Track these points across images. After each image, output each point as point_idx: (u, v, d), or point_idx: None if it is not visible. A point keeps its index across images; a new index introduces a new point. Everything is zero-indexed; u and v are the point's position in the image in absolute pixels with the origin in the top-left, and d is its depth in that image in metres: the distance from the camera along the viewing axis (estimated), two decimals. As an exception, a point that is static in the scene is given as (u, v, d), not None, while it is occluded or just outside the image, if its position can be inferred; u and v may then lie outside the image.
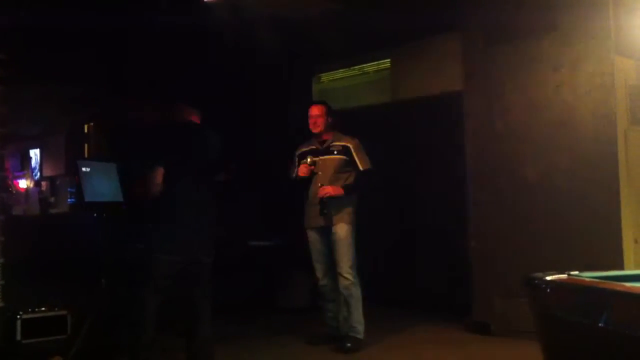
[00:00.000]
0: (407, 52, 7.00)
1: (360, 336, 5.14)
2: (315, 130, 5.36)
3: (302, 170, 5.25)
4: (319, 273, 5.33)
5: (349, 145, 5.27)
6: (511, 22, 5.49)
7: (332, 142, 5.33)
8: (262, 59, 6.95)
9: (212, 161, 4.62)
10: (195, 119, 4.64)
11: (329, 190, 5.12)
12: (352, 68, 7.72)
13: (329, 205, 5.12)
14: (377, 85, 7.41)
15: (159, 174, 4.28)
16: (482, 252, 5.61)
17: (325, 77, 8.03)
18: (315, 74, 8.03)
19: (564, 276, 2.48)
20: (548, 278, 2.46)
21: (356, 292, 5.14)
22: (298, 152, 5.45)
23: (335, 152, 5.27)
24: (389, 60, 7.28)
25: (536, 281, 2.49)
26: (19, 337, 5.07)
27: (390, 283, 6.76)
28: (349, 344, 5.07)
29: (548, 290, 2.44)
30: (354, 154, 5.24)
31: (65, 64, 6.09)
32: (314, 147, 5.36)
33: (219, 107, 7.32)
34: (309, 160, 5.24)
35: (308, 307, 6.64)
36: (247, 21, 6.13)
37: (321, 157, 5.28)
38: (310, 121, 5.38)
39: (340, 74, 7.87)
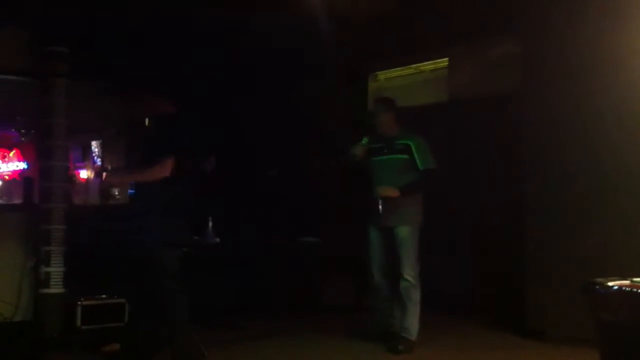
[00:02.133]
0: (466, 51, 6.94)
1: (413, 338, 5.09)
2: (379, 128, 5.30)
3: (357, 149, 5.18)
4: (376, 271, 5.28)
5: (411, 143, 5.17)
6: (572, 23, 5.38)
7: (395, 139, 5.23)
8: (319, 58, 6.98)
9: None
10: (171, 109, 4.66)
11: (387, 191, 5.08)
12: (408, 67, 7.68)
13: (389, 206, 5.07)
14: (433, 84, 7.36)
15: (169, 164, 4.33)
16: (539, 256, 5.52)
17: (382, 75, 8.02)
18: (372, 72, 8.03)
19: (626, 282, 2.43)
20: (610, 284, 2.41)
21: (415, 295, 5.09)
22: (356, 147, 5.28)
23: (397, 151, 5.19)
24: (446, 59, 7.22)
25: (597, 287, 2.44)
26: (78, 323, 5.24)
27: (441, 285, 6.71)
28: (401, 346, 5.02)
29: (609, 296, 2.39)
30: (415, 153, 5.14)
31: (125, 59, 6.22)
32: (376, 144, 5.26)
33: (274, 105, 7.44)
34: (363, 141, 5.17)
35: (353, 306, 6.64)
36: (304, 20, 6.17)
37: (383, 156, 5.23)
38: (373, 120, 5.32)
39: (397, 72, 7.85)
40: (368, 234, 5.31)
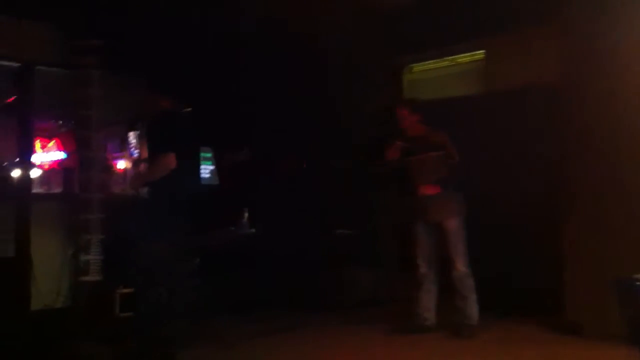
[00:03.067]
0: (502, 42, 6.85)
1: (474, 323, 5.28)
2: (407, 131, 5.44)
3: (392, 153, 5.34)
4: (422, 262, 5.41)
5: (442, 140, 5.33)
6: (613, 11, 5.28)
7: (426, 138, 5.38)
8: (353, 50, 6.98)
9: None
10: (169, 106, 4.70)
11: (428, 189, 5.28)
12: (444, 59, 7.62)
13: (433, 202, 5.26)
14: (469, 76, 7.29)
15: (172, 159, 4.38)
16: (577, 250, 5.45)
17: (417, 67, 7.97)
18: (406, 64, 7.98)
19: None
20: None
21: (470, 283, 5.29)
22: (390, 152, 5.44)
23: (432, 148, 5.32)
24: (483, 51, 7.15)
25: (627, 283, 2.42)
26: (117, 311, 5.34)
27: (479, 279, 6.67)
28: (465, 332, 5.21)
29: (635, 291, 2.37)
30: (448, 148, 5.30)
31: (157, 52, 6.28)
32: (409, 144, 5.39)
33: (307, 99, 7.45)
34: (398, 143, 5.32)
35: (369, 301, 6.66)
36: (338, 12, 6.17)
37: (417, 156, 5.34)
38: (399, 122, 5.47)
39: (432, 64, 7.79)
40: (414, 229, 5.43)
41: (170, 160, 4.40)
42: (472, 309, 5.29)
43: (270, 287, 6.30)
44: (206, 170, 5.43)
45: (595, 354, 4.85)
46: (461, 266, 5.26)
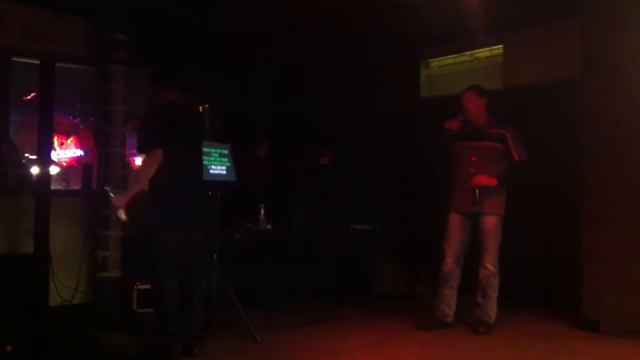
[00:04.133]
0: (521, 37, 6.80)
1: (492, 321, 5.24)
2: (470, 115, 5.27)
3: (451, 123, 5.19)
4: (450, 257, 5.32)
5: (506, 133, 5.20)
6: (634, 7, 5.20)
7: (488, 128, 5.25)
8: (370, 44, 6.95)
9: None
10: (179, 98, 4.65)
11: (483, 179, 5.11)
12: (462, 54, 7.57)
13: (481, 194, 5.10)
14: (488, 71, 7.24)
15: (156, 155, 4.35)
16: (594, 247, 5.39)
17: (435, 62, 7.92)
18: (424, 59, 7.94)
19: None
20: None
21: (495, 282, 5.21)
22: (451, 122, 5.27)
23: (493, 139, 5.20)
24: (501, 46, 7.09)
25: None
26: (135, 307, 5.35)
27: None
28: (482, 329, 5.19)
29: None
30: (511, 143, 5.18)
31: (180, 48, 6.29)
32: (467, 130, 5.26)
33: (325, 93, 7.44)
34: (460, 116, 5.21)
35: (403, 295, 6.67)
36: (356, 5, 6.14)
37: (477, 142, 5.23)
38: (465, 104, 5.29)
39: (450, 59, 7.74)
40: (450, 221, 5.34)
41: (155, 157, 4.35)
42: (492, 307, 5.25)
43: (302, 281, 6.37)
44: (221, 167, 5.40)
45: (612, 349, 4.82)
46: (491, 265, 5.17)
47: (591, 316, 5.36)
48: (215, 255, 5.09)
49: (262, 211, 6.14)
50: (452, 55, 7.67)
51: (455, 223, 5.31)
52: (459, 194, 5.26)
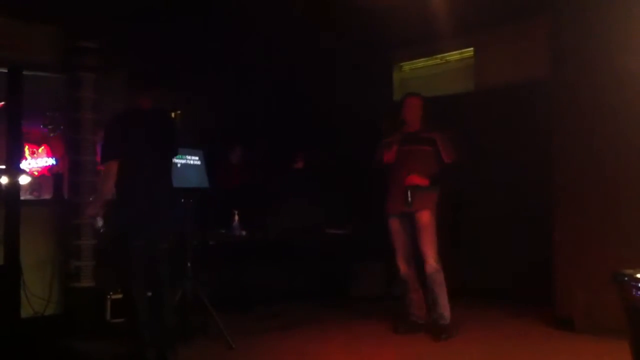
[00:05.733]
0: (492, 39, 6.86)
1: (448, 321, 5.22)
2: (410, 121, 5.39)
3: (388, 156, 5.32)
4: (401, 261, 5.37)
5: (435, 137, 5.33)
6: (601, 9, 5.26)
7: (420, 132, 5.38)
8: (342, 48, 6.95)
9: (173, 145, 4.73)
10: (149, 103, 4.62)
11: (415, 179, 5.19)
12: (434, 57, 7.62)
13: (413, 194, 5.17)
14: (459, 74, 7.29)
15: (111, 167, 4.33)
16: (566, 245, 5.45)
17: (407, 65, 7.97)
18: (396, 62, 7.98)
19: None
20: (638, 275, 2.38)
21: (439, 278, 5.21)
22: (385, 141, 5.45)
23: (423, 143, 5.33)
24: (472, 48, 7.15)
25: (624, 278, 2.42)
26: (108, 317, 5.30)
27: (471, 273, 6.66)
28: (444, 335, 5.14)
29: (635, 287, 2.37)
30: (440, 146, 5.30)
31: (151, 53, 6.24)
32: (402, 136, 5.38)
33: (297, 96, 7.44)
34: (394, 146, 5.32)
35: (381, 296, 6.69)
36: (328, 9, 6.15)
37: (409, 147, 5.33)
38: (406, 110, 5.41)
39: (422, 62, 7.79)
40: (389, 224, 5.39)
41: (110, 169, 4.32)
42: (445, 306, 5.22)
43: (279, 284, 6.43)
44: (194, 174, 5.37)
45: (585, 347, 4.86)
46: (432, 261, 5.19)
47: (564, 313, 5.41)
48: (189, 263, 5.06)
49: (237, 217, 6.11)
50: (424, 59, 7.72)
51: (395, 226, 5.39)
52: (394, 197, 5.34)
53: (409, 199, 5.16)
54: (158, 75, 5.04)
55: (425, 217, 5.22)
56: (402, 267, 5.37)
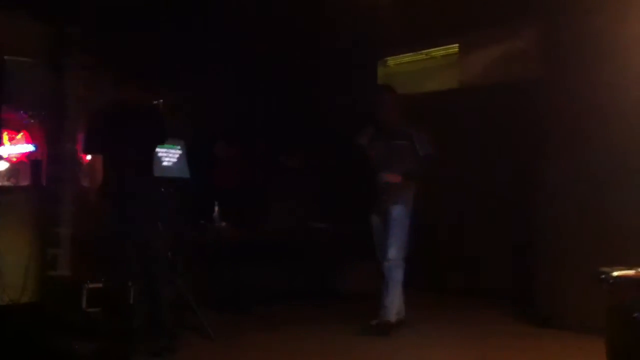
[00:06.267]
0: (477, 37, 6.86)
1: (390, 319, 5.17)
2: (383, 116, 5.37)
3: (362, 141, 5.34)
4: (380, 256, 5.35)
5: (410, 131, 5.31)
6: (589, 8, 5.27)
7: (395, 128, 5.35)
8: (326, 42, 6.93)
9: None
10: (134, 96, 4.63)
11: (389, 177, 5.23)
12: (419, 53, 7.61)
13: (388, 190, 5.20)
14: (444, 70, 7.29)
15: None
16: (548, 243, 5.47)
17: (392, 61, 7.95)
18: (381, 57, 7.96)
19: (631, 272, 2.42)
20: (615, 274, 2.40)
21: (397, 275, 5.20)
22: (361, 136, 5.46)
23: (398, 139, 5.31)
24: (457, 45, 7.15)
25: (603, 276, 2.44)
26: (84, 306, 5.24)
27: (452, 271, 6.69)
28: (377, 329, 5.11)
29: (615, 285, 2.38)
30: (415, 140, 5.28)
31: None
32: (377, 132, 5.39)
33: (282, 91, 7.39)
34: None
35: (366, 292, 6.62)
36: (313, 4, 6.13)
37: (384, 143, 5.33)
38: (381, 106, 5.39)
39: (407, 58, 7.78)
40: (370, 221, 5.40)
41: (93, 164, 4.38)
42: (392, 303, 5.19)
43: (263, 281, 6.35)
44: (173, 163, 5.33)
45: (566, 344, 4.87)
46: (393, 255, 5.18)
47: (545, 311, 5.44)
48: (169, 254, 5.03)
49: (216, 208, 6.07)
50: (409, 54, 7.71)
51: (374, 222, 5.40)
52: (372, 193, 5.37)
53: (384, 195, 5.21)
54: (143, 69, 5.02)
55: (395, 211, 5.22)
56: (381, 261, 5.34)
